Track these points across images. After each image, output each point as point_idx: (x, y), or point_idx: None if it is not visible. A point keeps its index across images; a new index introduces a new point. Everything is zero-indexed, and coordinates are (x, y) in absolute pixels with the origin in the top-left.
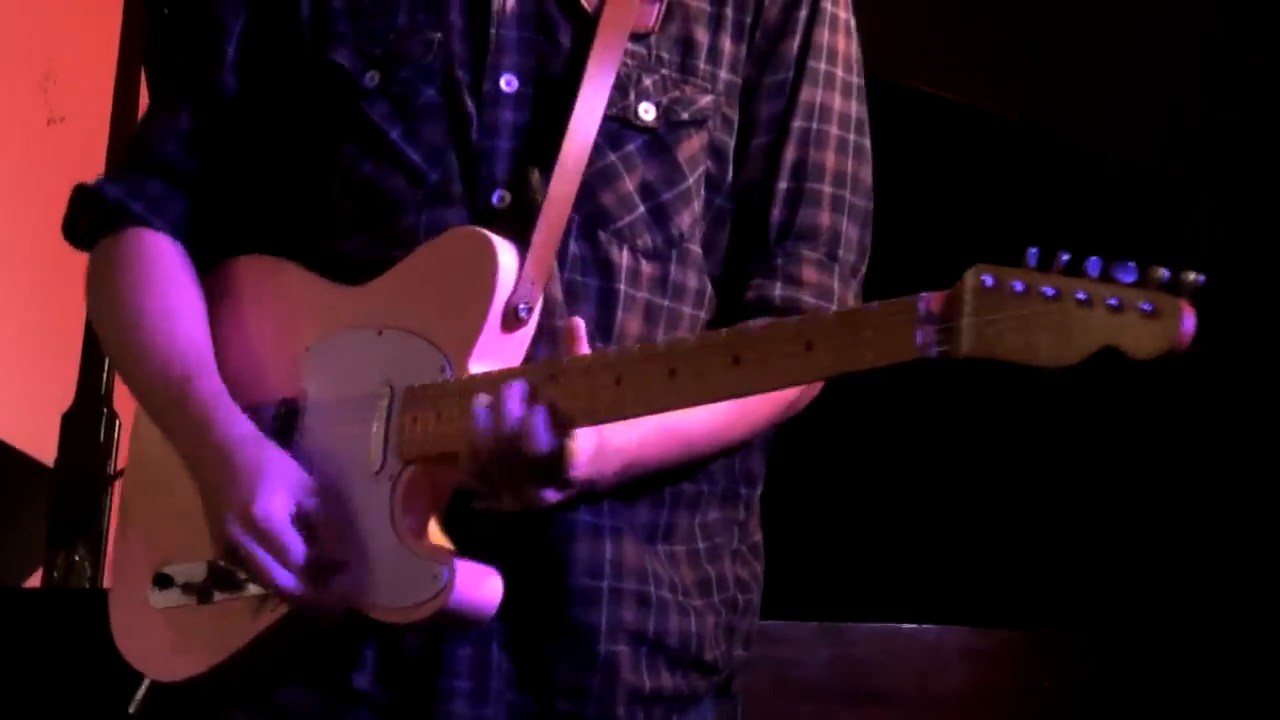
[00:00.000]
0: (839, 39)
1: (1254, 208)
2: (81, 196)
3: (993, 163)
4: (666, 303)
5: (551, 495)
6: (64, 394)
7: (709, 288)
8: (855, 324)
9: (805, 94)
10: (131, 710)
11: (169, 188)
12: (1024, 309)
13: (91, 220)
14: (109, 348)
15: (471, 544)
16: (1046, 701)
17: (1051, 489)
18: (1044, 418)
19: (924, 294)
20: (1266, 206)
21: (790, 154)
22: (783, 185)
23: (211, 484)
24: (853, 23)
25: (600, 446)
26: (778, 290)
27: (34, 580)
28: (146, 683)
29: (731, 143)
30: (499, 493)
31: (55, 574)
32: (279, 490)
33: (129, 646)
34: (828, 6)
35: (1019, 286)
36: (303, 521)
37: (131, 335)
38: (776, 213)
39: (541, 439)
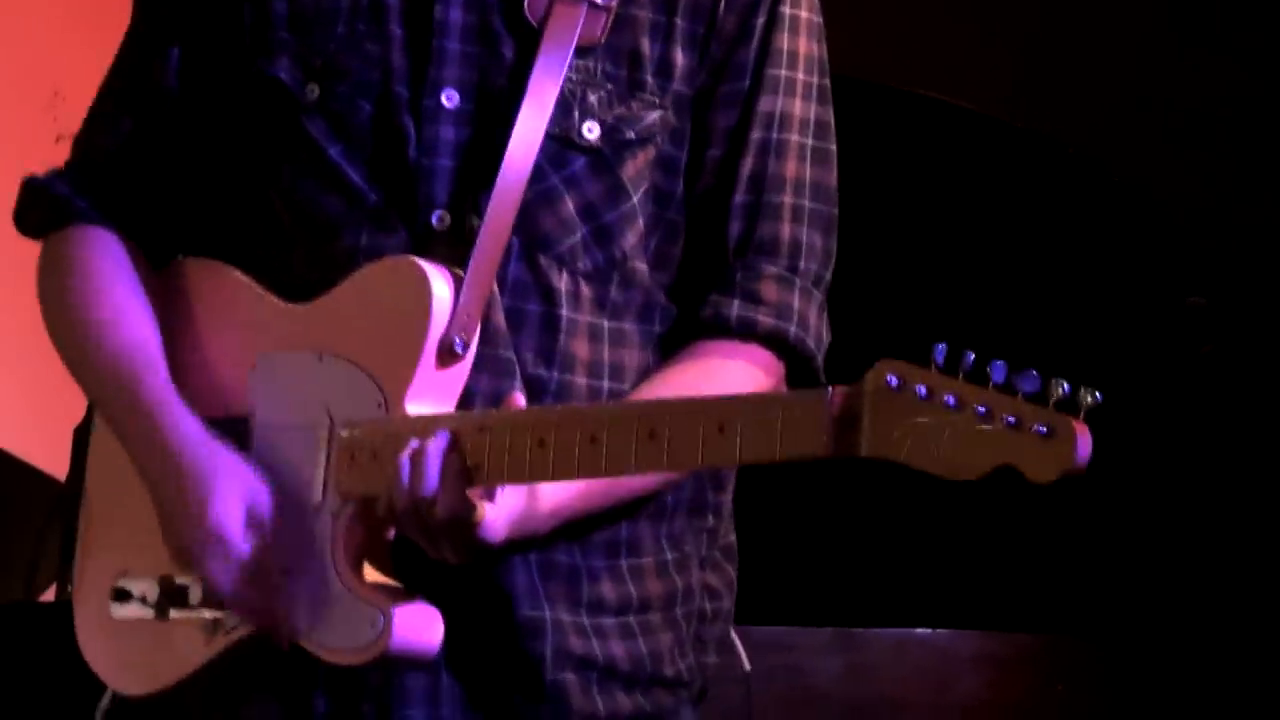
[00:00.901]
0: (799, 41)
1: (1253, 202)
2: (29, 189)
3: (992, 168)
4: (607, 323)
5: (469, 555)
6: (74, 408)
7: (661, 300)
8: (767, 412)
9: (764, 104)
10: (97, 717)
11: (112, 187)
12: (925, 417)
13: (40, 214)
14: (61, 353)
15: (422, 573)
16: (1059, 706)
17: (1066, 493)
18: None
19: (830, 389)
20: (1267, 200)
21: (748, 166)
22: (740, 199)
23: (163, 488)
24: (817, 22)
25: (530, 510)
26: (735, 310)
27: (48, 595)
28: (110, 691)
29: (683, 156)
30: (419, 543)
31: (69, 588)
32: (232, 493)
33: (93, 655)
34: (786, 10)
35: (922, 391)
36: (257, 528)
37: (80, 342)
38: (734, 227)
39: (453, 507)
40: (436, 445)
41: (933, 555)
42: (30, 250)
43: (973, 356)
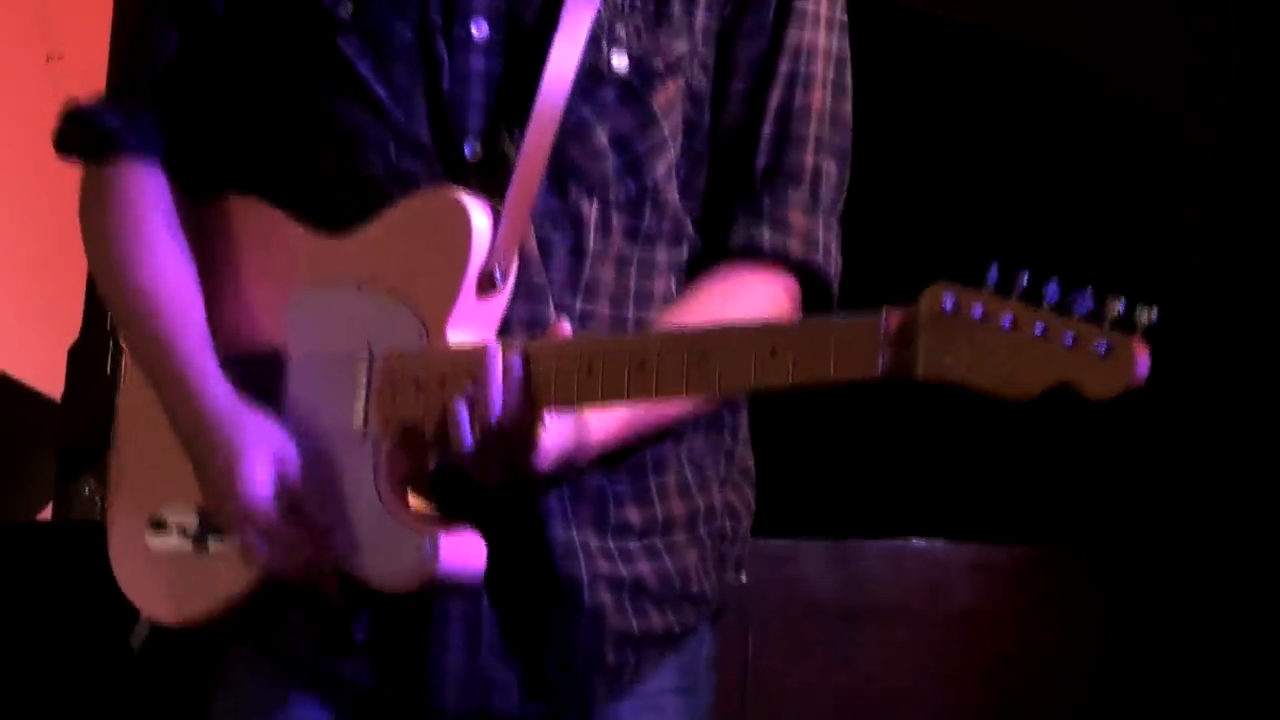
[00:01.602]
0: None
1: (1249, 111)
2: (74, 119)
3: (985, 80)
4: (638, 252)
5: (513, 476)
6: (69, 328)
7: (688, 228)
8: (819, 335)
9: (791, 36)
10: (134, 644)
11: (159, 112)
12: (981, 338)
13: (81, 139)
14: (101, 290)
15: (458, 499)
16: (1054, 616)
17: (1059, 404)
18: None
19: (885, 310)
20: (1262, 110)
21: (775, 98)
22: (768, 129)
23: (195, 448)
24: None
25: (578, 443)
26: (767, 236)
27: (44, 514)
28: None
29: (710, 87)
30: (463, 464)
31: (65, 507)
32: (260, 464)
33: (128, 584)
34: None
35: (978, 312)
36: (287, 495)
37: (119, 285)
38: (762, 157)
39: (524, 423)
40: (492, 382)
41: (928, 467)
42: (19, 178)
43: (1027, 276)
